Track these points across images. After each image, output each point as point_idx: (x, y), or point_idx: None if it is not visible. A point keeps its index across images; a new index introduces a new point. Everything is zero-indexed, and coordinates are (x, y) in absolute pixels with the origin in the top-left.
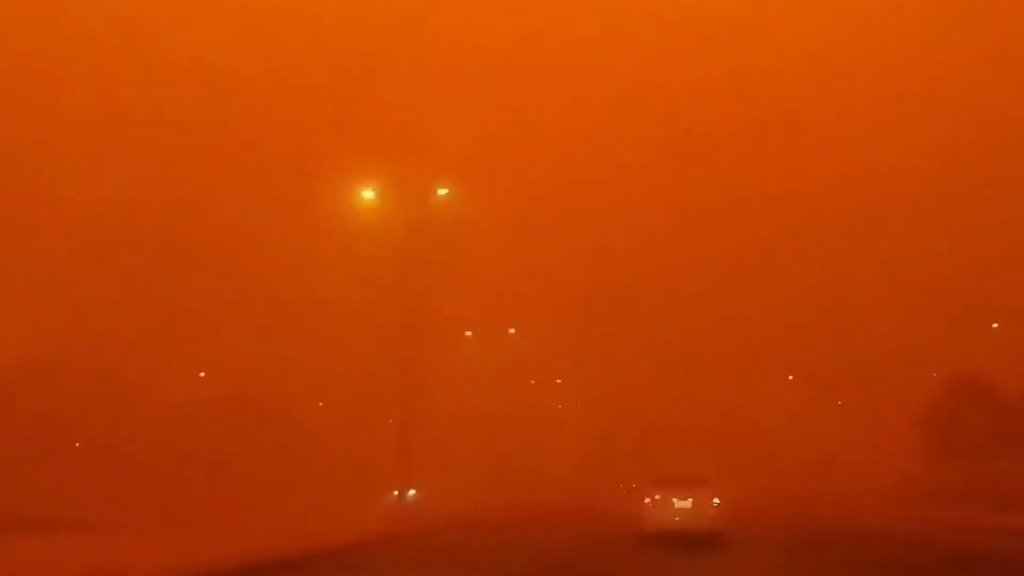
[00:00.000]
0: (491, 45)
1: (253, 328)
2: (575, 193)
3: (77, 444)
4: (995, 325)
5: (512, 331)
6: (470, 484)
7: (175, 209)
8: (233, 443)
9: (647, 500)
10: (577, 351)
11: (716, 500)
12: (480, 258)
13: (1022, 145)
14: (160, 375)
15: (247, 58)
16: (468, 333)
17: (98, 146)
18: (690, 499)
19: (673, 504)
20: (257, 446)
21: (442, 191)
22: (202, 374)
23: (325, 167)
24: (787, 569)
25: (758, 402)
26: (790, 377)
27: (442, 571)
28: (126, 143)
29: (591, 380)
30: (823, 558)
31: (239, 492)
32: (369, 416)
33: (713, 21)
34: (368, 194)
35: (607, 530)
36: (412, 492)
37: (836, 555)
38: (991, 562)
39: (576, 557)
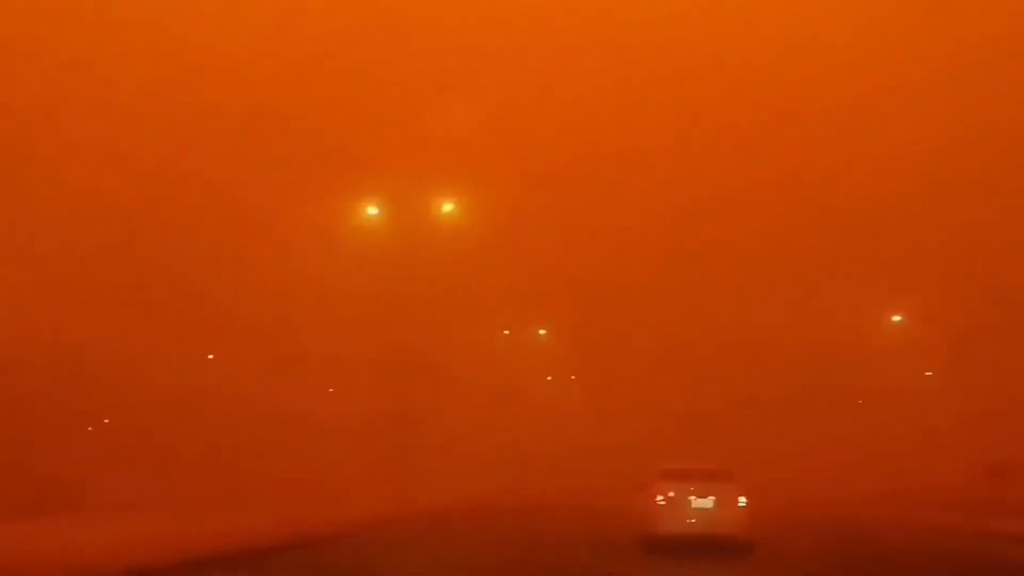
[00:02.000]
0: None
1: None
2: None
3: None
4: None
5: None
6: (449, 477)
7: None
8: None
9: (659, 498)
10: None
11: (743, 499)
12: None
13: None
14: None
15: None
16: None
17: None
18: (711, 497)
19: (690, 503)
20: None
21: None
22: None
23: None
24: None
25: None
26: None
27: (422, 567)
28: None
29: (593, 360)
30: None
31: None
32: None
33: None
34: None
35: (610, 533)
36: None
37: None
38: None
39: (572, 565)
